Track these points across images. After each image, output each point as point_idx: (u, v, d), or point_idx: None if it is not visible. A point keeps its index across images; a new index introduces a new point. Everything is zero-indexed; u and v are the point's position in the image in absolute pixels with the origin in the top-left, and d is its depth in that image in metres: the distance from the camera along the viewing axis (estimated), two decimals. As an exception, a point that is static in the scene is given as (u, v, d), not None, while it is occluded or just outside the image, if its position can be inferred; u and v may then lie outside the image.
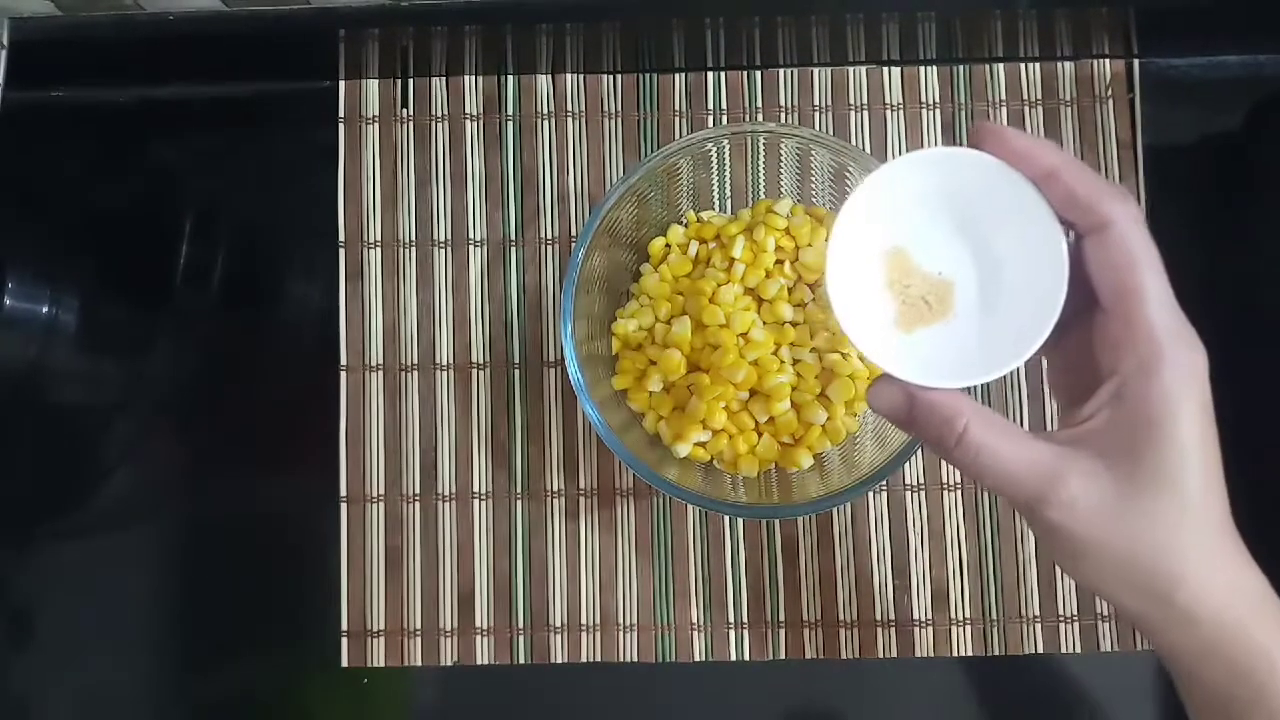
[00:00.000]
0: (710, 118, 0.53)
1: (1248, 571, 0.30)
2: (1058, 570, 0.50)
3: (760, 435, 0.47)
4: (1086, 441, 0.29)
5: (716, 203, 0.51)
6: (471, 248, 0.52)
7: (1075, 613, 0.49)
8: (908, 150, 0.53)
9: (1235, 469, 0.30)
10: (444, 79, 0.54)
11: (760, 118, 0.53)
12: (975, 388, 0.51)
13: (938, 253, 0.32)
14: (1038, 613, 0.49)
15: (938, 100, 0.53)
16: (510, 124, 0.53)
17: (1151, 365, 0.28)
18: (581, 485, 0.51)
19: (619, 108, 0.53)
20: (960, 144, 0.31)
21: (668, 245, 0.50)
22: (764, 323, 0.47)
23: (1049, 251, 0.30)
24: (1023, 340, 0.30)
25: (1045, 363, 0.34)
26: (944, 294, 0.32)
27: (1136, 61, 0.53)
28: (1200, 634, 0.29)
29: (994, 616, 0.50)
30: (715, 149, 0.47)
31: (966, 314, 0.31)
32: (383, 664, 0.50)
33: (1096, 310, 0.30)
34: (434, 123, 0.53)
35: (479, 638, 0.50)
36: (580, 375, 0.44)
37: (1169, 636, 0.30)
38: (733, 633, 0.50)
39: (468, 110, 0.53)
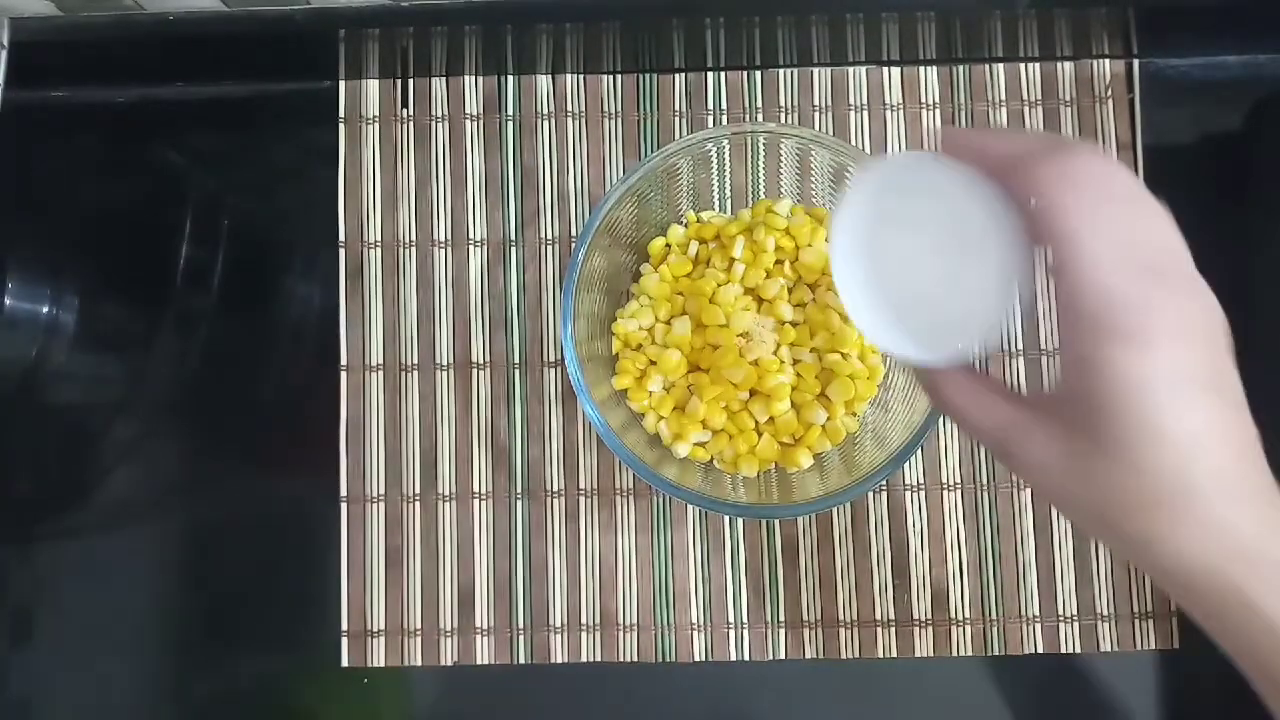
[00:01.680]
0: (710, 118, 0.53)
1: (1255, 530, 0.28)
2: (1057, 570, 0.50)
3: (760, 435, 0.47)
4: (1048, 407, 0.30)
5: (716, 203, 0.51)
6: (471, 247, 0.52)
7: (1075, 613, 0.49)
8: (906, 149, 0.53)
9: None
10: (444, 79, 0.54)
11: (760, 118, 0.53)
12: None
13: (919, 241, 0.33)
14: (1037, 613, 0.49)
15: (937, 100, 0.53)
16: (510, 124, 0.53)
17: (1081, 350, 0.28)
18: (581, 485, 0.51)
19: (619, 108, 0.53)
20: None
21: (668, 245, 0.50)
22: (764, 323, 0.47)
23: (1000, 239, 0.30)
24: (973, 327, 0.32)
25: None
26: (926, 277, 0.34)
27: (1136, 62, 0.53)
28: (1180, 582, 0.29)
29: (994, 616, 0.50)
30: (715, 149, 0.47)
31: (945, 294, 0.33)
32: (383, 664, 0.50)
33: None
34: (434, 123, 0.53)
35: (479, 637, 0.50)
36: (580, 375, 0.44)
37: (1156, 579, 0.30)
38: (733, 633, 0.50)
39: (468, 110, 0.53)
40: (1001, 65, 0.53)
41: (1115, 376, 0.27)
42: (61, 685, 0.50)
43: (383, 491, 0.51)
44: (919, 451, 0.49)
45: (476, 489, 0.51)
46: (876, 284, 0.34)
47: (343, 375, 0.52)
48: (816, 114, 0.53)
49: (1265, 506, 0.28)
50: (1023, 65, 0.53)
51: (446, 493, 0.51)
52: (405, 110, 0.53)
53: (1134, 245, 0.28)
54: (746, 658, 0.50)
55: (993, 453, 0.32)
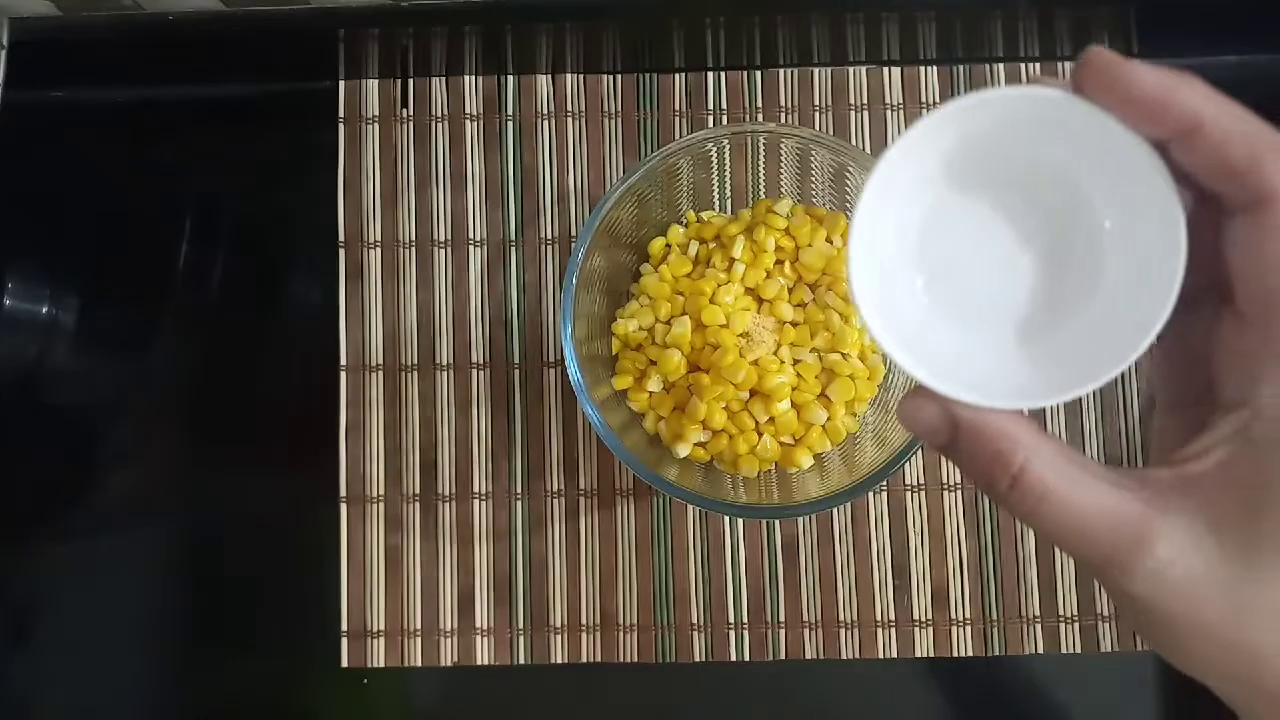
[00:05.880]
0: (710, 118, 0.53)
1: None
2: (1057, 570, 0.50)
3: (760, 435, 0.47)
4: (1190, 489, 0.22)
5: (716, 203, 0.51)
6: (471, 248, 0.52)
7: (1075, 613, 0.49)
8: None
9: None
10: (444, 79, 0.53)
11: (760, 118, 0.53)
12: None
13: (995, 230, 0.25)
14: (1038, 613, 0.49)
15: (938, 100, 0.53)
16: (510, 124, 0.53)
17: None
18: (581, 485, 0.51)
19: (619, 108, 0.53)
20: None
21: (668, 245, 0.50)
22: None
23: (1155, 232, 0.22)
24: (1102, 355, 0.22)
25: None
26: (1000, 282, 0.25)
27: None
28: None
29: (994, 616, 0.50)
30: (715, 149, 0.47)
31: (1032, 310, 0.25)
32: (383, 664, 0.50)
33: (1227, 306, 0.23)
34: (434, 123, 0.53)
35: (479, 638, 0.50)
36: (580, 375, 0.44)
37: None
38: (733, 633, 0.50)
39: (468, 110, 0.53)
40: (1002, 65, 0.53)
41: None
42: (61, 685, 0.50)
43: (382, 492, 0.51)
44: (919, 451, 0.49)
45: (476, 489, 0.51)
46: (922, 292, 0.25)
47: (342, 375, 0.52)
48: (817, 114, 0.53)
49: None
50: (1023, 65, 0.53)
51: (446, 493, 0.51)
52: (405, 110, 0.53)
53: None
54: (747, 658, 0.50)
55: (1083, 559, 0.22)
